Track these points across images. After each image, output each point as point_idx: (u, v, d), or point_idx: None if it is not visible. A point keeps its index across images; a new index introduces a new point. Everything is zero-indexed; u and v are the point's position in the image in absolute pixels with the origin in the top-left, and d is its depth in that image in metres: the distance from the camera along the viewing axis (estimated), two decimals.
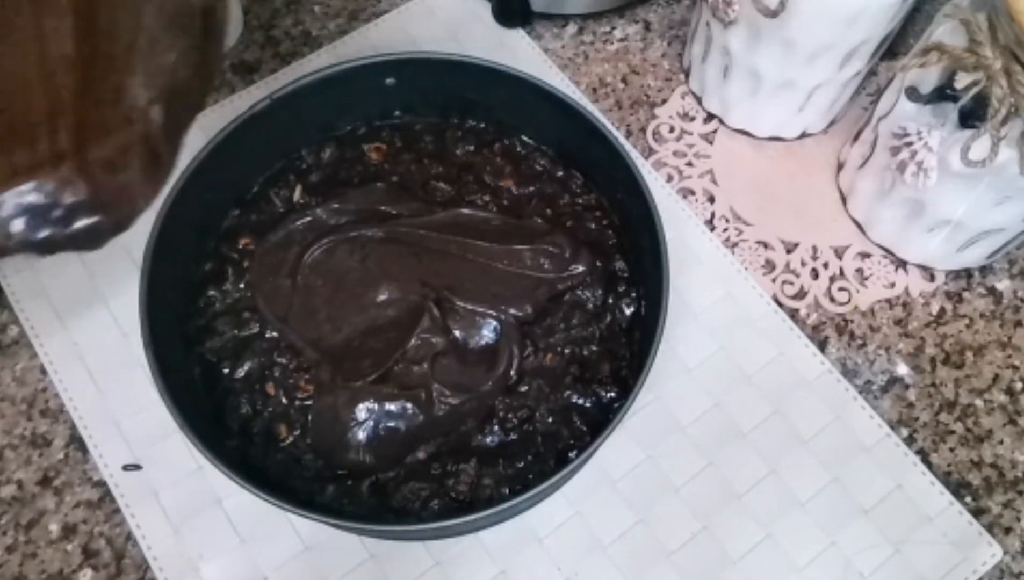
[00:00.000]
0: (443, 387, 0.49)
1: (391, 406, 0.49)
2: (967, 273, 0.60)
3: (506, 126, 0.58)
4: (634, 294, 0.53)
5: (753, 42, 0.56)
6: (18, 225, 0.33)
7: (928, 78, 0.50)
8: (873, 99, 0.60)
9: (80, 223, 0.34)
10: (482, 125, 0.58)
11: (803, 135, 0.64)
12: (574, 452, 0.49)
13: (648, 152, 0.64)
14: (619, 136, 0.54)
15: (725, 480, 0.53)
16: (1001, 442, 0.55)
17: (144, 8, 0.36)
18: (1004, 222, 0.53)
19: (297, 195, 0.55)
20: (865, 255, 0.61)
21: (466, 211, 0.55)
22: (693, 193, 0.63)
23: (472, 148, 0.57)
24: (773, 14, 0.52)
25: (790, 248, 0.61)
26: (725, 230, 0.61)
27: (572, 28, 0.69)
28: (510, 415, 0.50)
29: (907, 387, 0.57)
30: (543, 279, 0.53)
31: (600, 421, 0.49)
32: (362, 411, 0.49)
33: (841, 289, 0.60)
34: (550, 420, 0.50)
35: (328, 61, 0.67)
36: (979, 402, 0.56)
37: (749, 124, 0.64)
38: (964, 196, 0.51)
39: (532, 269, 0.53)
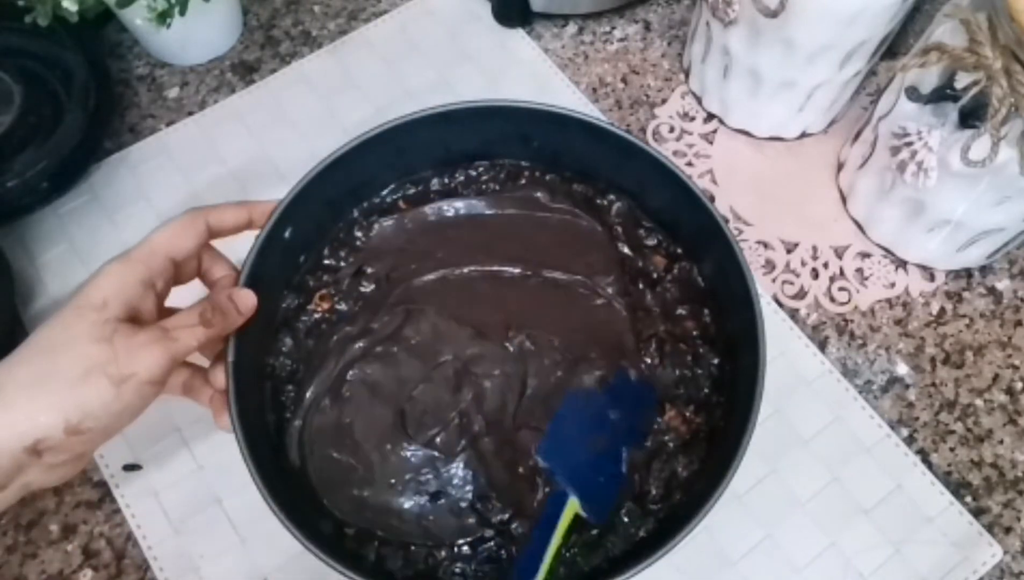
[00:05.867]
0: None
1: None
2: (967, 273, 0.60)
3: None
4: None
5: (753, 42, 0.56)
6: None
7: (928, 78, 0.50)
8: (873, 99, 0.60)
9: None
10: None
11: (803, 135, 0.64)
12: None
13: None
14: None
15: None
16: (1001, 442, 0.55)
17: None
18: (1004, 222, 0.53)
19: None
20: (865, 255, 0.61)
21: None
22: None
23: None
24: (773, 14, 0.52)
25: (790, 248, 0.61)
26: None
27: (572, 28, 0.69)
28: None
29: (907, 387, 0.57)
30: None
31: None
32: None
33: (841, 289, 0.60)
34: None
35: (328, 61, 0.67)
36: (979, 402, 0.56)
37: (749, 124, 0.64)
38: (964, 196, 0.51)
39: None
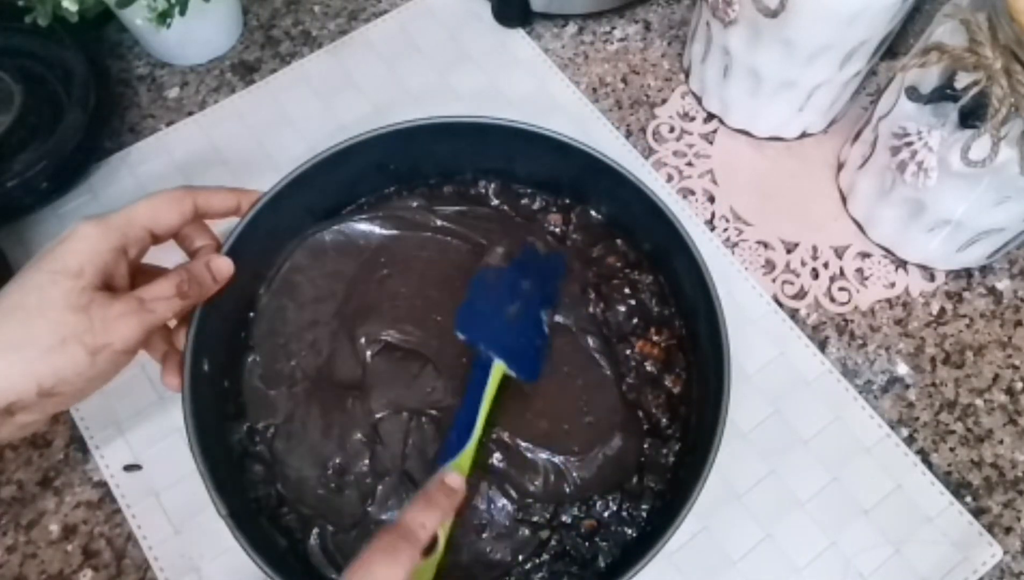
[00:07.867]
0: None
1: None
2: (967, 273, 0.60)
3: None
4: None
5: (753, 42, 0.56)
6: None
7: (928, 78, 0.50)
8: (873, 99, 0.60)
9: None
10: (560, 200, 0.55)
11: (803, 135, 0.64)
12: None
13: (648, 152, 0.64)
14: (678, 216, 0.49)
15: (725, 480, 0.53)
16: (1001, 442, 0.55)
17: None
18: (1004, 222, 0.53)
19: None
20: (865, 255, 0.61)
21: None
22: (693, 193, 0.63)
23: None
24: (773, 14, 0.52)
25: (790, 248, 0.61)
26: (725, 230, 0.61)
27: (572, 28, 0.69)
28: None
29: (907, 387, 0.57)
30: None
31: None
32: None
33: (841, 289, 0.60)
34: None
35: (328, 61, 0.67)
36: (979, 402, 0.56)
37: (749, 124, 0.64)
38: (964, 196, 0.51)
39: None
